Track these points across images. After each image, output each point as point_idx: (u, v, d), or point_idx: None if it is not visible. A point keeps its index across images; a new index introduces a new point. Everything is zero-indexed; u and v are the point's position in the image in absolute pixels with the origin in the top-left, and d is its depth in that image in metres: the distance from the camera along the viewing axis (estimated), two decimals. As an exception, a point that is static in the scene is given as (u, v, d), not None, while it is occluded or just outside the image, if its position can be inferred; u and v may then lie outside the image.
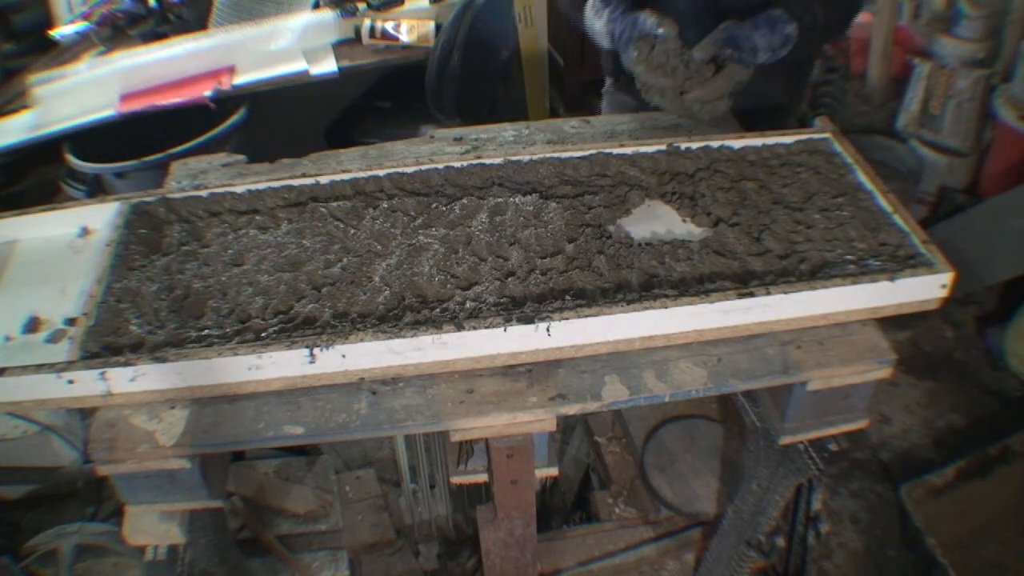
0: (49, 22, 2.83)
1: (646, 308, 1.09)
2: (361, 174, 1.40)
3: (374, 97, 2.89)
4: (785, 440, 1.29)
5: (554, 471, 1.36)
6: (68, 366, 1.07)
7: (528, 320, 1.08)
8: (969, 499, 2.07)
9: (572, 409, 1.13)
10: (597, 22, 1.50)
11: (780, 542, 1.76)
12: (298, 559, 2.07)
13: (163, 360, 1.07)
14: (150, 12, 2.69)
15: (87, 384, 1.08)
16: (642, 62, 1.42)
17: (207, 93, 2.30)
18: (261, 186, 1.39)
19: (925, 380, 2.59)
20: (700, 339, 1.15)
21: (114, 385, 1.08)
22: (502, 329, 1.08)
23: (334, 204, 1.36)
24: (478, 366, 1.13)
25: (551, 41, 2.83)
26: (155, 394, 1.11)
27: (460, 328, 1.08)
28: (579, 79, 3.45)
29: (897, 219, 1.25)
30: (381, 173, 1.40)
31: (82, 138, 2.32)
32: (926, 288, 1.16)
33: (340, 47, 2.48)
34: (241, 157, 1.59)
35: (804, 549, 1.75)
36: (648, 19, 1.43)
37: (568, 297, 1.14)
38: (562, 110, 2.82)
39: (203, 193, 1.39)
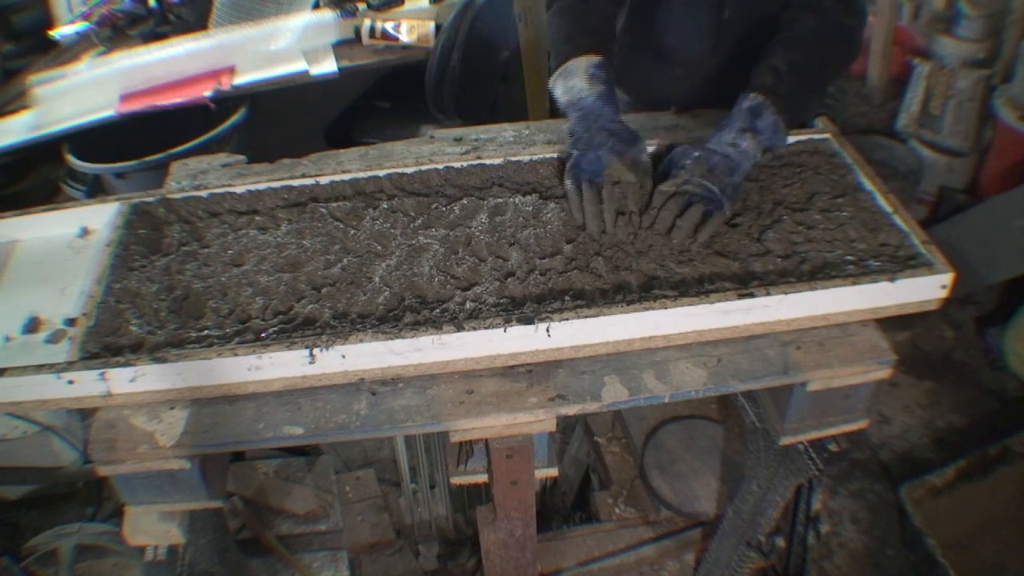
0: (49, 22, 2.83)
1: (646, 309, 1.09)
2: (361, 174, 1.40)
3: (374, 97, 2.89)
4: (785, 440, 1.29)
5: (554, 471, 1.36)
6: (68, 366, 1.08)
7: (528, 321, 1.08)
8: (969, 499, 2.07)
9: (572, 409, 1.13)
10: (580, 82, 1.34)
11: (780, 542, 1.76)
12: (298, 559, 2.06)
13: (163, 360, 1.07)
14: (150, 12, 2.69)
15: (87, 384, 1.08)
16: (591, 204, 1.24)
17: (207, 93, 2.29)
18: (261, 186, 1.39)
19: (925, 380, 2.59)
20: (700, 340, 1.15)
21: (114, 385, 1.08)
22: (502, 330, 1.08)
23: (334, 204, 1.36)
24: (478, 367, 1.13)
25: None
26: (155, 394, 1.11)
27: (460, 329, 1.08)
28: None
29: (897, 219, 1.25)
30: (381, 173, 1.40)
31: (82, 138, 2.31)
32: (926, 288, 1.16)
33: (340, 47, 2.48)
34: (241, 157, 1.59)
35: (804, 549, 1.75)
36: (615, 162, 1.24)
37: (568, 298, 1.14)
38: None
39: (203, 193, 1.39)
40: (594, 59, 1.36)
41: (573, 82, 1.34)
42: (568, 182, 1.28)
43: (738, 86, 1.34)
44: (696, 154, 1.26)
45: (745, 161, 1.27)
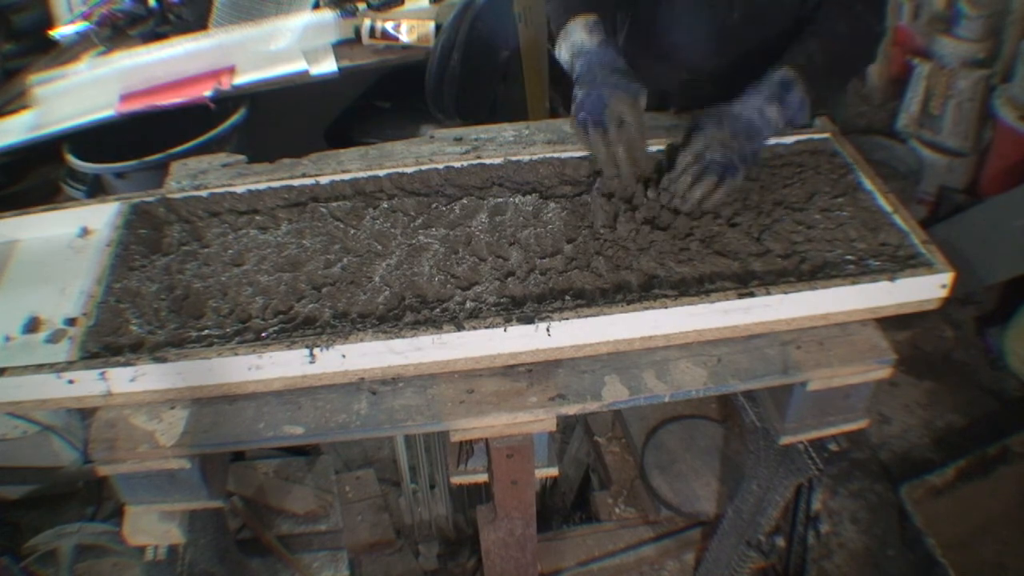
0: (49, 22, 2.83)
1: (646, 308, 1.09)
2: (361, 174, 1.41)
3: (374, 97, 2.89)
4: (785, 440, 1.29)
5: (554, 471, 1.36)
6: (68, 366, 1.08)
7: (528, 320, 1.08)
8: (969, 499, 2.07)
9: (572, 409, 1.13)
10: (581, 36, 1.38)
11: (780, 542, 1.76)
12: (298, 559, 2.07)
13: (163, 360, 1.07)
14: (150, 12, 2.68)
15: (87, 384, 1.08)
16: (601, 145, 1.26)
17: (207, 93, 2.29)
18: (261, 186, 1.39)
19: (925, 380, 2.59)
20: (700, 339, 1.15)
21: (114, 385, 1.08)
22: (502, 329, 1.08)
23: (334, 204, 1.36)
24: (478, 366, 1.13)
25: (551, 41, 2.82)
26: (155, 394, 1.11)
27: (460, 328, 1.08)
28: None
29: (897, 219, 1.25)
30: (381, 173, 1.40)
31: (82, 138, 2.31)
32: (926, 288, 1.16)
33: (340, 47, 2.48)
34: (241, 157, 1.59)
35: (804, 549, 1.75)
36: (615, 100, 1.25)
37: (568, 297, 1.14)
38: (562, 110, 2.82)
39: (203, 193, 1.39)
40: (591, 17, 1.41)
41: (575, 38, 1.40)
42: (573, 123, 1.30)
43: (743, 89, 1.34)
44: (718, 118, 1.29)
45: (767, 129, 1.30)
